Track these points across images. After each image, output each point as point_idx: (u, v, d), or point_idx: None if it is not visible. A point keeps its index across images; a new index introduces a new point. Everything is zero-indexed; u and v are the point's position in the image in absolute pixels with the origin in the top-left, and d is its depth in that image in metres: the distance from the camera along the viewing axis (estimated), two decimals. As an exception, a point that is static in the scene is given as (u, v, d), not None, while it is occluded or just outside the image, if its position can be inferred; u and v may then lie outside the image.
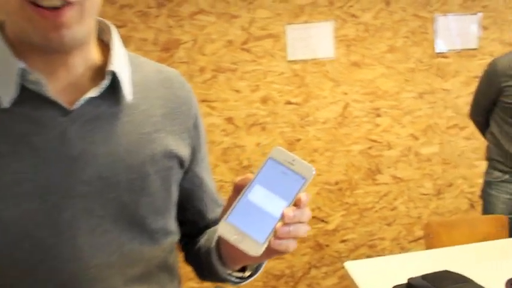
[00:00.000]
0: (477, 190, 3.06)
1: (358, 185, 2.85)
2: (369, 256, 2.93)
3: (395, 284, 1.57)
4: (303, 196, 0.68)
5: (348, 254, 2.86)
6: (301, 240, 2.83)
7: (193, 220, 0.96)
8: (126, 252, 0.78)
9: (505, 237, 2.20)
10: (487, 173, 2.44)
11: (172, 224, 0.87)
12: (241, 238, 0.66)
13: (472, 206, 3.07)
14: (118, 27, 2.50)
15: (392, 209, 2.91)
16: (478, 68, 2.90)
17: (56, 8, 0.67)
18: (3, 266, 0.73)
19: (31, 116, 0.73)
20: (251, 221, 0.67)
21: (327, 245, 2.84)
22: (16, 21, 0.71)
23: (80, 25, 0.71)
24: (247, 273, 0.86)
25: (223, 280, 0.87)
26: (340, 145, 2.80)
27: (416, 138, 2.90)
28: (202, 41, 2.63)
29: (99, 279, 0.76)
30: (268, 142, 2.73)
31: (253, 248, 0.65)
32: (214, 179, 1.07)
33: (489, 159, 2.43)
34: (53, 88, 0.75)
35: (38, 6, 0.66)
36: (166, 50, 2.60)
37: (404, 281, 1.58)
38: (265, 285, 2.82)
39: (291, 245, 0.68)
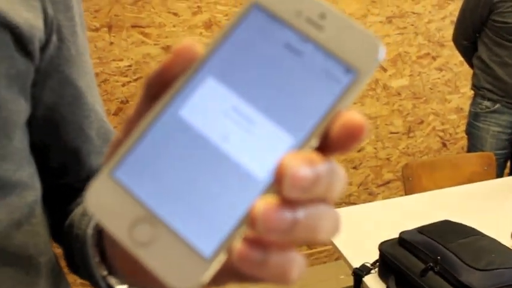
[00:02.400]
0: (449, 127, 2.76)
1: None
2: (335, 203, 2.61)
3: (382, 240, 1.22)
4: (350, 116, 0.22)
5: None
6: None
7: (64, 166, 0.54)
8: None
9: (493, 178, 1.90)
10: (473, 103, 2.12)
11: (16, 168, 0.45)
12: (151, 236, 0.23)
13: (444, 145, 2.78)
14: None
15: (359, 150, 2.58)
16: (452, -13, 2.54)
17: None
18: None
19: None
20: (182, 186, 0.23)
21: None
22: None
23: None
24: None
25: None
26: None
27: (384, 70, 2.54)
28: (129, -48, 2.12)
29: None
30: (215, 76, 2.30)
31: (182, 270, 0.22)
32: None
33: (477, 87, 2.10)
34: None
35: None
36: (84, -37, 2.08)
37: (393, 235, 1.24)
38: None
39: (292, 263, 0.23)
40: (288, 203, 0.22)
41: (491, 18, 1.92)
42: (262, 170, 0.23)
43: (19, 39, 0.43)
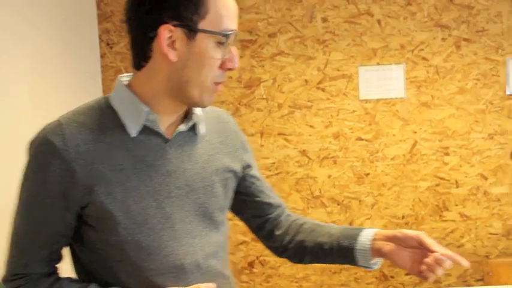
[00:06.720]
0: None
1: (424, 220, 2.94)
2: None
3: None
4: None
5: (412, 286, 2.95)
6: (367, 269, 2.94)
7: (262, 208, 1.29)
8: (203, 235, 1.11)
9: None
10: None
11: (226, 217, 1.20)
12: None
13: (543, 248, 3.05)
14: (207, 66, 2.81)
15: (458, 246, 2.97)
16: (551, 111, 2.93)
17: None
18: (129, 244, 1.03)
19: (146, 142, 1.06)
20: None
21: (392, 276, 2.94)
22: (196, 90, 1.03)
23: None
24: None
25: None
26: (407, 181, 2.93)
27: (485, 178, 2.96)
28: (281, 80, 2.89)
29: (188, 253, 1.08)
30: (339, 175, 2.91)
31: None
32: (287, 206, 1.36)
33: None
34: (161, 125, 1.07)
35: (218, 83, 1.05)
36: (249, 87, 2.88)
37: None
38: (331, 310, 2.97)
39: None
40: None
41: None
42: None
43: (235, 175, 1.18)
